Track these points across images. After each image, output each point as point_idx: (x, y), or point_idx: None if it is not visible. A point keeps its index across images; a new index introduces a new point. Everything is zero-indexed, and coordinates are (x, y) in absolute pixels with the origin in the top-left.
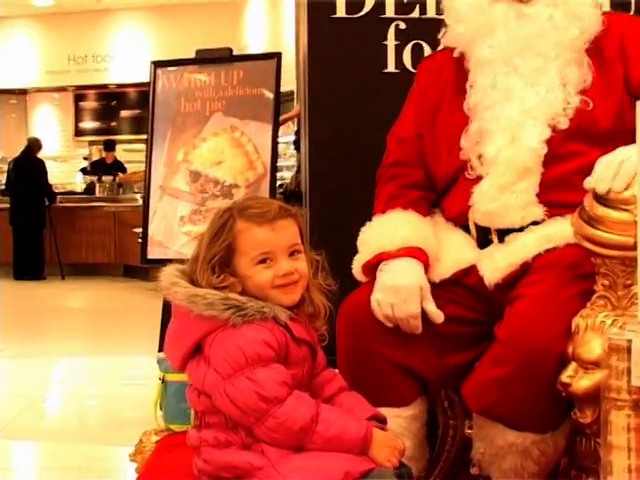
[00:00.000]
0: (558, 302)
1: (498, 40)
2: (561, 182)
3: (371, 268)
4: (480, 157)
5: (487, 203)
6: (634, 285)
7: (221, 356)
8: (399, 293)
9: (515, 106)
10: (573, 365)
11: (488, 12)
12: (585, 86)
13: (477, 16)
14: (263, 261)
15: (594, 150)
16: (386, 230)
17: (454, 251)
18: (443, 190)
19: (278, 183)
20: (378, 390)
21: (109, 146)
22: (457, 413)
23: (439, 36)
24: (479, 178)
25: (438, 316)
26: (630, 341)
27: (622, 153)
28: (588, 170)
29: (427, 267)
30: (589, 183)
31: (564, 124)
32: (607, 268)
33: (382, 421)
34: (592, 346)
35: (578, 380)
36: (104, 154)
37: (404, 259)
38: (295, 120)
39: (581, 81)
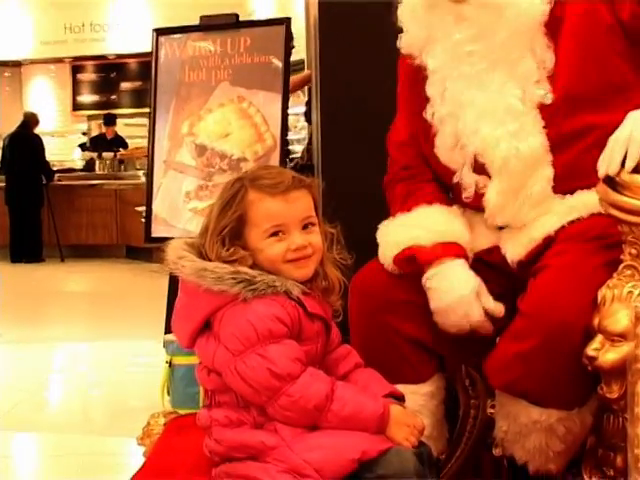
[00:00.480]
0: (583, 273)
1: (441, 48)
2: (577, 166)
3: (405, 260)
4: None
5: (501, 215)
6: None
7: (231, 332)
8: (456, 311)
9: (472, 112)
10: (599, 338)
11: (426, 21)
12: (548, 71)
13: (418, 27)
14: (275, 234)
15: (602, 116)
16: (417, 223)
17: (475, 232)
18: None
19: (289, 157)
20: (393, 366)
21: (109, 120)
22: (479, 392)
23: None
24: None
25: (499, 311)
26: None
27: (629, 125)
28: (604, 142)
29: (467, 258)
30: (600, 168)
31: (548, 98)
32: (634, 236)
33: (400, 398)
34: (619, 317)
35: (604, 353)
36: (104, 129)
37: (446, 264)
38: (306, 90)
39: (540, 68)
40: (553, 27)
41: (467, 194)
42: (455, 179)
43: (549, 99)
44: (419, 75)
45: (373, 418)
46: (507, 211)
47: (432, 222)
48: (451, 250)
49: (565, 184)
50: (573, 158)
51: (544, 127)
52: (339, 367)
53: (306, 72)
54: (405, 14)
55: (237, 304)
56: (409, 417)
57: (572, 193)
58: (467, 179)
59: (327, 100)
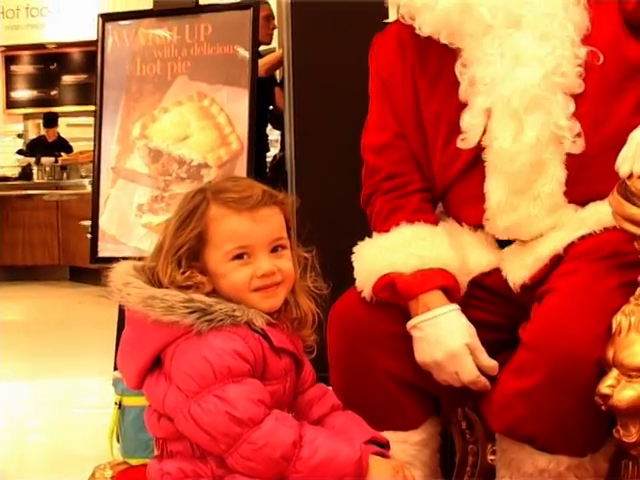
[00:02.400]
0: (595, 297)
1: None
2: (591, 170)
3: (384, 289)
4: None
5: (505, 216)
6: None
7: (184, 370)
8: (445, 368)
9: (532, 71)
10: (614, 373)
11: None
12: (587, 33)
13: None
14: (240, 256)
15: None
16: (395, 247)
17: (472, 253)
18: (446, 189)
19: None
20: (379, 411)
21: (50, 121)
22: (477, 436)
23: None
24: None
25: (493, 369)
26: None
27: None
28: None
29: (456, 289)
30: (621, 167)
31: (579, 88)
32: None
33: (383, 445)
34: (636, 349)
35: (620, 391)
36: (44, 131)
37: (435, 310)
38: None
39: (584, 27)
40: None
41: (463, 138)
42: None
43: (580, 87)
44: (429, 44)
45: (348, 465)
46: (513, 213)
47: (412, 245)
48: (435, 278)
49: (578, 189)
50: (587, 158)
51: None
52: (312, 410)
53: (277, 52)
54: None
55: (191, 337)
56: (393, 467)
57: (586, 203)
58: (473, 119)
59: (302, 96)
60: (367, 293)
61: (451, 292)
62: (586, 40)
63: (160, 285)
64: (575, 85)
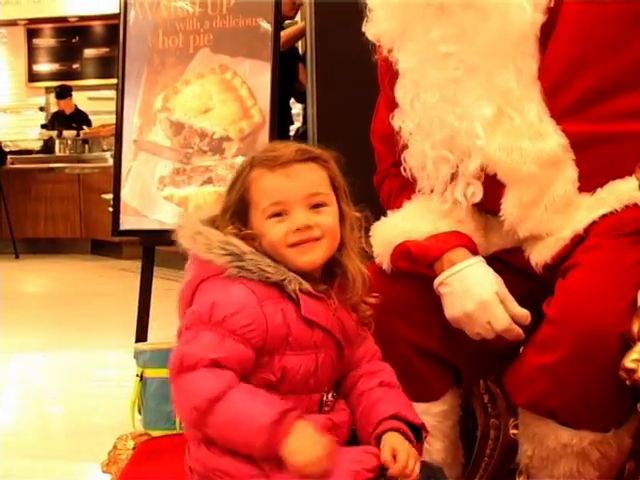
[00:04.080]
0: (620, 271)
1: (415, 45)
2: (602, 162)
3: (400, 258)
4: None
5: (523, 226)
6: None
7: (192, 308)
8: (477, 320)
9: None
10: (639, 347)
11: (401, 11)
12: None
13: (390, 16)
14: (278, 214)
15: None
16: (407, 218)
17: (489, 232)
18: None
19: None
20: (400, 382)
21: (63, 93)
22: (500, 410)
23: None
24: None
25: (525, 317)
26: None
27: None
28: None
29: (474, 248)
30: None
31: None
32: None
33: (418, 428)
34: None
35: None
36: (57, 104)
37: (461, 264)
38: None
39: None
40: (546, 30)
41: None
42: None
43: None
44: (391, 69)
45: (259, 429)
46: (529, 222)
47: (424, 214)
48: (451, 239)
49: (592, 182)
50: (601, 151)
51: (557, 124)
52: (359, 384)
53: (298, 25)
54: (375, 1)
55: (220, 278)
56: (323, 444)
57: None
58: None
59: (324, 70)
60: (386, 265)
61: (471, 250)
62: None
63: None
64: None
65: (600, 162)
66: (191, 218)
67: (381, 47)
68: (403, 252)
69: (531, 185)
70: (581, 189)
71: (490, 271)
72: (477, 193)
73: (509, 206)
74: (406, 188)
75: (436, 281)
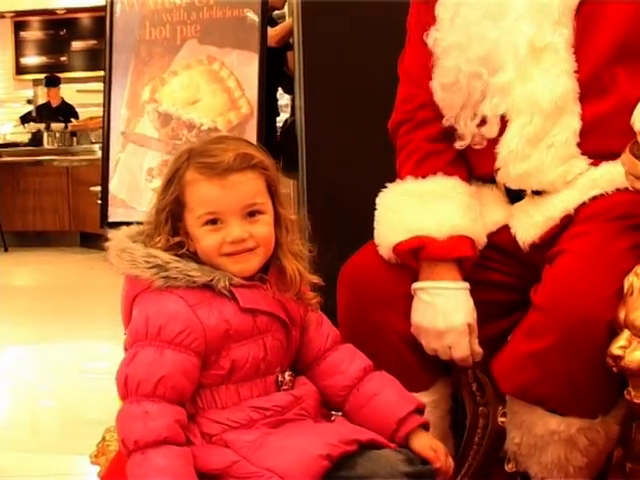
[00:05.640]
0: (607, 258)
1: None
2: (607, 124)
3: (410, 251)
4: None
5: (517, 164)
6: None
7: (130, 324)
8: (443, 339)
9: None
10: (626, 334)
11: None
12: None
13: None
14: (212, 222)
15: None
16: (430, 207)
17: (482, 207)
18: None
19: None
20: (389, 372)
21: (53, 81)
22: (488, 398)
23: None
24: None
25: (480, 356)
26: None
27: None
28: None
29: (473, 260)
30: (636, 122)
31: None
32: None
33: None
34: None
35: (632, 352)
36: (45, 93)
37: (447, 283)
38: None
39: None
40: None
41: (461, 144)
42: (446, 122)
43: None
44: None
45: None
46: (525, 162)
47: (447, 214)
48: (460, 246)
49: (592, 142)
50: (606, 112)
51: (575, 71)
52: (340, 374)
53: (285, 23)
54: None
55: (151, 292)
56: None
57: (599, 157)
58: (467, 128)
59: (312, 60)
60: (387, 249)
61: (468, 262)
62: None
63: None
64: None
65: (602, 122)
66: (118, 235)
67: None
68: (417, 248)
69: (536, 120)
70: (580, 145)
71: (471, 303)
72: (501, 104)
73: (510, 137)
74: (434, 156)
75: (419, 284)
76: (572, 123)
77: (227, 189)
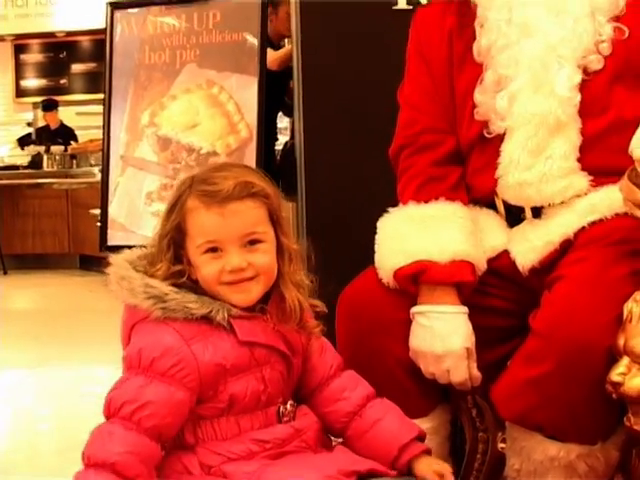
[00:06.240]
0: (606, 284)
1: None
2: (607, 141)
3: (411, 276)
4: (500, 113)
5: (518, 173)
6: None
7: (125, 353)
8: (442, 363)
9: (537, 42)
10: (625, 360)
11: None
12: (618, 12)
13: None
14: (213, 250)
15: None
16: (432, 232)
17: (483, 232)
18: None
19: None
20: (388, 397)
21: (49, 105)
22: (488, 424)
23: None
24: (500, 140)
25: (478, 380)
26: None
27: None
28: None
29: (473, 286)
30: (635, 149)
31: (598, 64)
32: None
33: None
34: None
35: (631, 378)
36: (43, 117)
37: (447, 307)
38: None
39: (612, 6)
40: None
41: (491, 130)
42: (480, 116)
43: (599, 63)
44: (466, 9)
45: None
46: (525, 172)
47: (449, 238)
48: (461, 271)
49: (592, 158)
50: (605, 130)
51: (585, 83)
52: (343, 401)
53: (287, 47)
54: None
55: (148, 322)
56: None
57: (599, 174)
58: (502, 110)
59: (311, 84)
60: (388, 274)
61: (467, 287)
62: (617, 19)
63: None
64: (590, 60)
65: (602, 140)
66: (117, 261)
67: (415, 22)
68: (418, 272)
69: (538, 132)
70: (580, 160)
71: (469, 327)
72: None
73: (511, 148)
74: (437, 181)
75: (417, 308)
76: (572, 139)
77: (226, 217)
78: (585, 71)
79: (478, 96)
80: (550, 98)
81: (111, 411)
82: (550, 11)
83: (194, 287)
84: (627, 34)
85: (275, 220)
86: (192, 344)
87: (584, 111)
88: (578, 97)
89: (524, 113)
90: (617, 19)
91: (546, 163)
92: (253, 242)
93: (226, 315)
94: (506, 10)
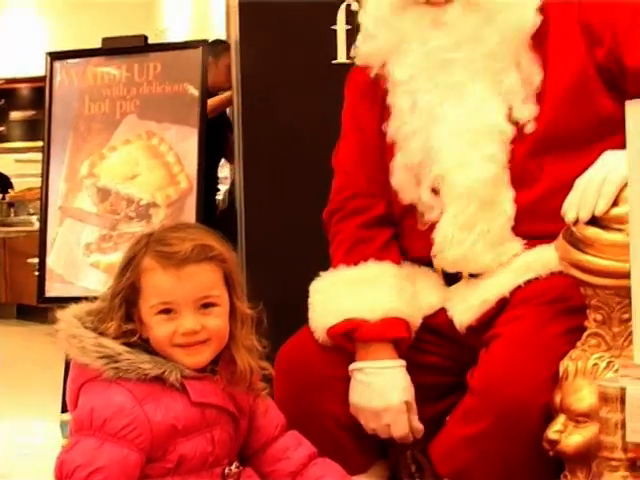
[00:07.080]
0: (542, 342)
1: (412, 56)
2: (541, 208)
3: (343, 334)
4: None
5: (453, 249)
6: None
7: (75, 412)
8: (381, 419)
9: (447, 127)
10: (561, 418)
11: (398, 25)
12: (533, 92)
13: (386, 33)
14: (166, 311)
15: (573, 161)
16: (362, 291)
17: (419, 289)
18: (400, 219)
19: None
20: (326, 454)
21: None
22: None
23: (351, 54)
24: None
25: (420, 432)
26: (623, 389)
27: (604, 165)
28: (570, 187)
29: (408, 341)
30: (568, 212)
31: (520, 140)
32: (599, 300)
33: None
34: (583, 395)
35: (568, 436)
36: None
37: (384, 362)
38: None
39: (527, 88)
40: (538, 41)
41: (425, 220)
42: (406, 200)
43: (531, 127)
44: (377, 88)
45: None
46: (460, 247)
47: (379, 297)
48: (394, 328)
49: (526, 225)
50: (537, 198)
51: (508, 161)
52: (286, 461)
53: (226, 93)
54: (369, 19)
55: (99, 381)
56: None
57: (533, 239)
58: (428, 202)
59: (251, 130)
60: (321, 333)
61: (403, 343)
62: (535, 97)
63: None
64: (509, 138)
65: (535, 207)
66: (65, 317)
67: (360, 72)
68: (350, 330)
69: (468, 207)
70: (515, 229)
71: (408, 380)
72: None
73: (445, 225)
74: (365, 243)
75: (355, 365)
76: (505, 208)
77: (182, 280)
78: (509, 146)
79: (394, 182)
80: (477, 174)
81: (63, 475)
82: (454, 95)
83: (145, 346)
84: (539, 112)
85: (230, 284)
86: (144, 404)
87: (515, 183)
88: (505, 172)
89: (452, 192)
90: (535, 96)
91: (479, 237)
92: (207, 305)
93: (179, 376)
94: (410, 97)
